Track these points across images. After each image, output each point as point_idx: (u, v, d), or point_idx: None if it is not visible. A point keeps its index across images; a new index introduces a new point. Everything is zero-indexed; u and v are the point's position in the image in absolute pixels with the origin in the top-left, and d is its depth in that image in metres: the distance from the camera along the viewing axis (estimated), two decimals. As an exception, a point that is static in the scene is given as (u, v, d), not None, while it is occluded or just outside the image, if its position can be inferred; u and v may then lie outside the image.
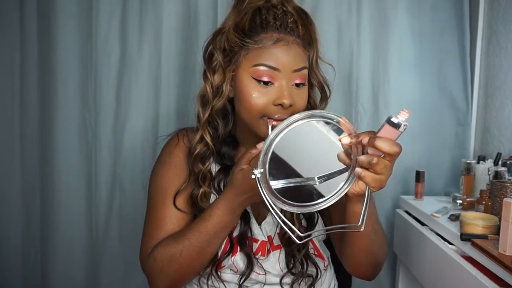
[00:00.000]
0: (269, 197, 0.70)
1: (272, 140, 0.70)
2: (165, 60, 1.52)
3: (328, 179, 0.73)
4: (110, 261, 1.55)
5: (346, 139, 0.69)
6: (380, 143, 0.65)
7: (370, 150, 0.68)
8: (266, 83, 0.80)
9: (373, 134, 0.67)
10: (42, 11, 1.48)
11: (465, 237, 1.03)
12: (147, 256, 0.87)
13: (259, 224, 0.93)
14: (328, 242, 1.03)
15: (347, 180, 0.73)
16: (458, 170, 1.54)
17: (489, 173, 1.27)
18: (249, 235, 0.90)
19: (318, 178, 0.72)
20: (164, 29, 1.51)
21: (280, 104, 0.80)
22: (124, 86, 1.52)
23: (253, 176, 0.69)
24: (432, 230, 1.23)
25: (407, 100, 1.57)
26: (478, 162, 1.43)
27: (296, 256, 0.91)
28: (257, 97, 0.80)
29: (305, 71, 0.84)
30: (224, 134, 0.92)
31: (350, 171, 0.72)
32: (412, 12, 1.56)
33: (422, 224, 1.30)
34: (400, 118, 0.64)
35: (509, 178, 1.19)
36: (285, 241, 0.91)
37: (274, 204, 0.71)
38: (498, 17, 1.50)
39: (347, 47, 1.56)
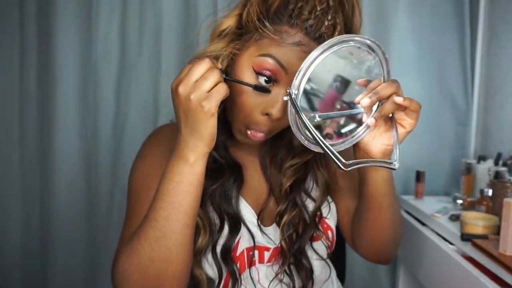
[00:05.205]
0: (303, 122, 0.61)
1: (313, 61, 0.61)
2: (165, 60, 1.52)
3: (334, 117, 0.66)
4: (109, 261, 1.55)
5: (365, 101, 0.63)
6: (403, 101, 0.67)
7: None
8: (267, 80, 0.66)
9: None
10: (42, 11, 1.48)
11: (466, 237, 1.02)
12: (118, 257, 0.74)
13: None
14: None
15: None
16: (458, 170, 1.54)
17: (490, 173, 1.27)
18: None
19: (319, 116, 0.65)
20: (164, 29, 1.51)
21: (267, 114, 0.67)
22: (124, 86, 1.52)
23: (285, 98, 0.61)
24: (432, 230, 1.23)
25: None
26: (478, 162, 1.43)
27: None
28: (248, 96, 0.67)
29: None
30: None
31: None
32: (412, 12, 1.56)
33: (423, 224, 1.30)
34: None
35: (510, 178, 1.19)
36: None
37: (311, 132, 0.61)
38: (498, 17, 1.50)
39: (347, 47, 1.55)
